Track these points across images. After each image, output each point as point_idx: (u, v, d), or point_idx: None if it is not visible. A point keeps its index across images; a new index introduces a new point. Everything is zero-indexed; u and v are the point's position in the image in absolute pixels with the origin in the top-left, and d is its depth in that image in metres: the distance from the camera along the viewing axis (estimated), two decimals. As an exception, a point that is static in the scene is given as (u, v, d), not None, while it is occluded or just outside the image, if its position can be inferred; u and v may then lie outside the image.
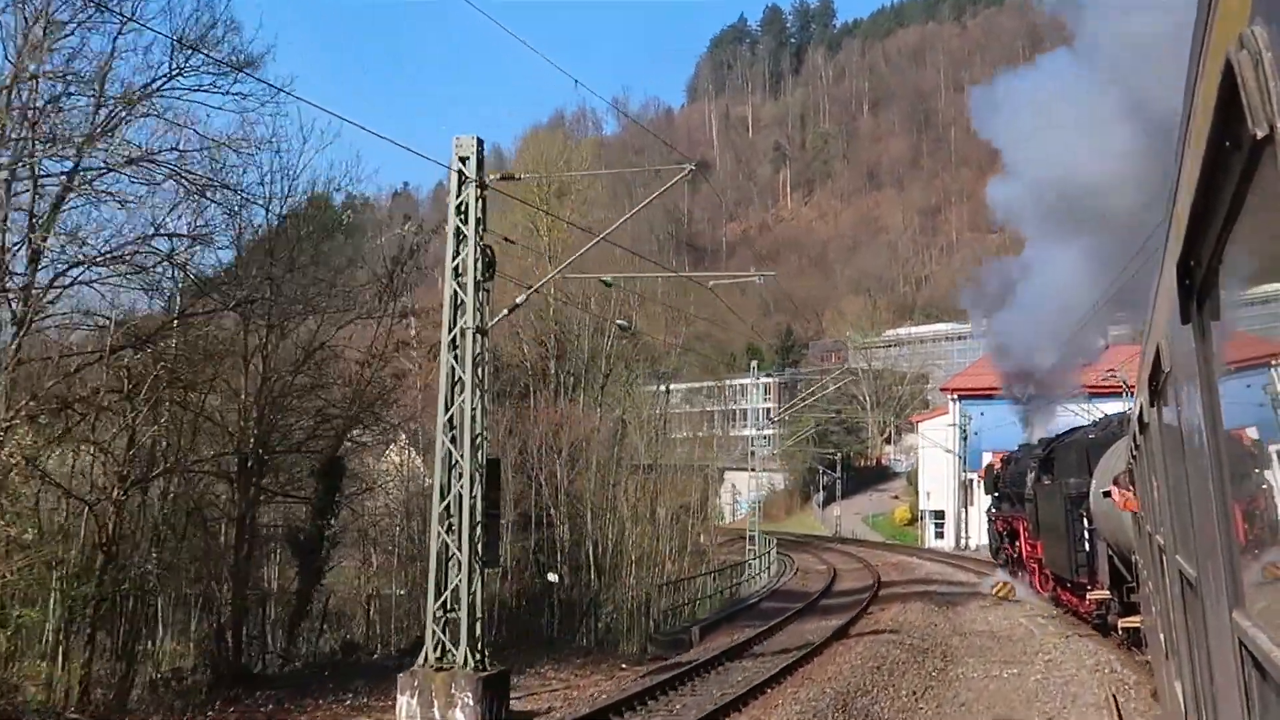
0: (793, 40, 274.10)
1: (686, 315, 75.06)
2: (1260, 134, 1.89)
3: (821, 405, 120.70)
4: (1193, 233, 2.88)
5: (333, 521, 29.68)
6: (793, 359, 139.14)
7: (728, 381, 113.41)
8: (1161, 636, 8.37)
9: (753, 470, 68.79)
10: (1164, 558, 6.76)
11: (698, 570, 58.91)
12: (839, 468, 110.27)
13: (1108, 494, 17.80)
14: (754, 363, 68.41)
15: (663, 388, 79.55)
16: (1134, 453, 10.59)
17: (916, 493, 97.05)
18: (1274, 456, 2.44)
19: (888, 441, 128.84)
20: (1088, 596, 25.45)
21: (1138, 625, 18.76)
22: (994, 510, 45.00)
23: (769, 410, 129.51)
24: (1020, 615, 32.99)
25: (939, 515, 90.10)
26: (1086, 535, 24.95)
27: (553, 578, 56.22)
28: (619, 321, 37.99)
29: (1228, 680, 3.14)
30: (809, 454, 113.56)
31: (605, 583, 56.07)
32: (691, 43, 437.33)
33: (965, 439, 77.34)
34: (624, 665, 28.72)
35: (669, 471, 68.68)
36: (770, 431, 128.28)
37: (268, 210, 29.93)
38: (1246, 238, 2.35)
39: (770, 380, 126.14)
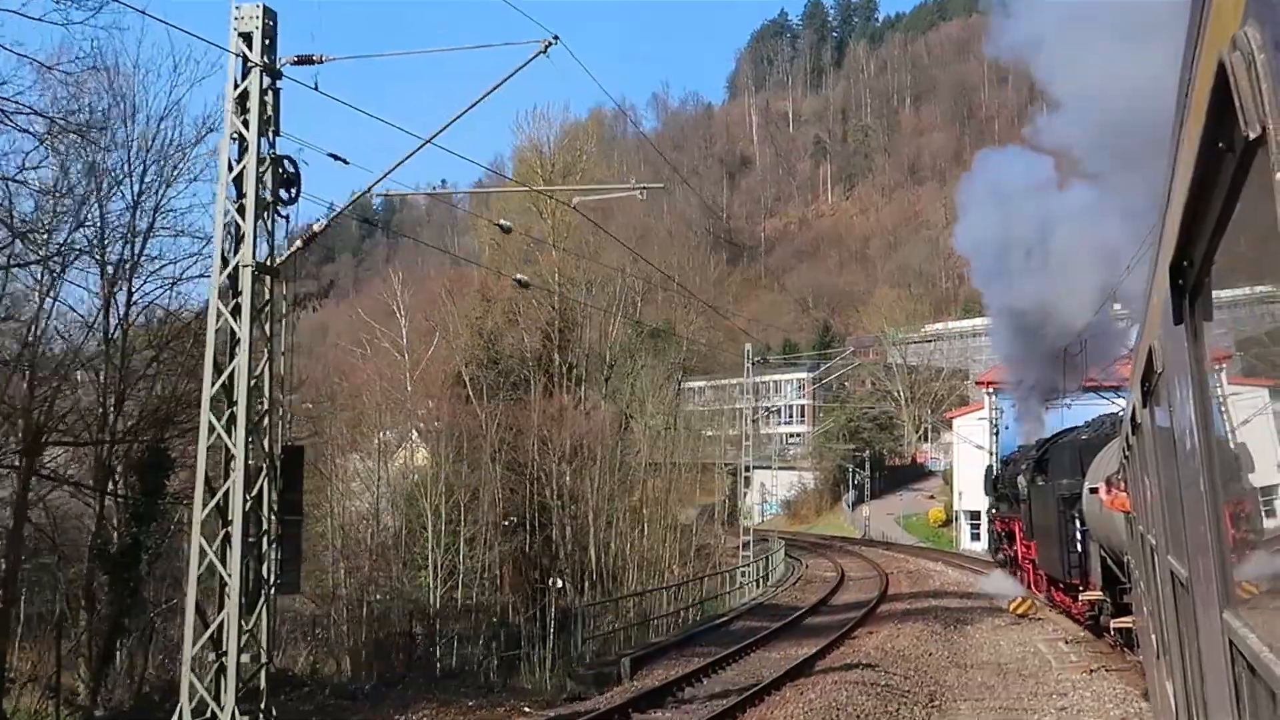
0: (834, 34, 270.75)
1: (703, 307, 70.54)
2: (1253, 135, 1.89)
3: (854, 400, 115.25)
4: (1185, 233, 2.90)
5: (153, 526, 23.87)
6: (829, 354, 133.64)
7: (768, 378, 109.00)
8: (1153, 637, 8.34)
9: (746, 468, 63.41)
10: (1155, 558, 6.86)
11: (701, 575, 53.81)
12: (868, 466, 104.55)
13: (1095, 490, 17.35)
14: (748, 346, 62.47)
15: (677, 382, 74.95)
16: (1126, 453, 10.41)
17: (952, 492, 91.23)
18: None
19: (924, 439, 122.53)
20: (1080, 597, 25.38)
21: (1130, 626, 19.10)
22: (993, 511, 45.60)
23: (802, 408, 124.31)
24: (1039, 639, 27.60)
25: (974, 516, 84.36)
26: (1079, 536, 24.52)
27: (556, 583, 51.42)
28: (517, 276, 32.54)
29: (1218, 679, 3.22)
30: (839, 451, 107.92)
31: (607, 589, 51.15)
32: (732, 38, 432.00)
33: (997, 434, 71.07)
34: (528, 708, 22.85)
35: (680, 470, 63.99)
36: (801, 429, 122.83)
37: (132, 153, 25.21)
38: (1239, 239, 2.37)
39: (805, 376, 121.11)
